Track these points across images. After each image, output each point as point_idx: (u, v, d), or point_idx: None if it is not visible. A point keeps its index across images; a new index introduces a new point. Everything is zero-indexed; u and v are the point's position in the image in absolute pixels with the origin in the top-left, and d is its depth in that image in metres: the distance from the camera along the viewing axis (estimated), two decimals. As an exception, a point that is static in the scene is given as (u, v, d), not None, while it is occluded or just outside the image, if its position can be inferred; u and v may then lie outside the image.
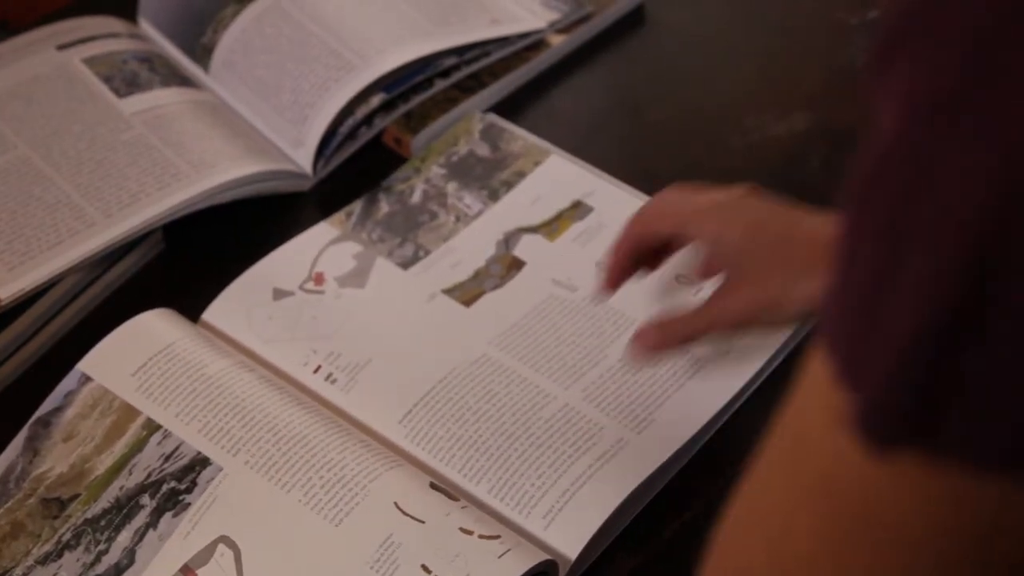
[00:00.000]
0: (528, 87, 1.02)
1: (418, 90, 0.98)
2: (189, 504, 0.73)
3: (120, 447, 0.76)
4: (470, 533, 0.71)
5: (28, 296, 0.84)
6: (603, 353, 0.82)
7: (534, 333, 0.83)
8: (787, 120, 0.97)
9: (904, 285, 0.35)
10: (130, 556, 0.72)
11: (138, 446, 0.76)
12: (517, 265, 0.88)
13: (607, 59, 1.05)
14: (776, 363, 0.82)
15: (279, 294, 0.86)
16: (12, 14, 1.07)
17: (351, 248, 0.89)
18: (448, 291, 0.86)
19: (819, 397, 0.39)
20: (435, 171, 0.94)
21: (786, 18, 1.07)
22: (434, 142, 0.96)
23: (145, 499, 0.74)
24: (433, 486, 0.73)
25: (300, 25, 0.99)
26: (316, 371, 0.82)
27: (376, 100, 0.96)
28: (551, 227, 0.90)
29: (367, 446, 0.75)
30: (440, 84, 0.99)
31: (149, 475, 0.75)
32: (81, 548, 0.73)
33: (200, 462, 0.74)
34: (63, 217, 0.88)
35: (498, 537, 0.71)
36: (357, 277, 0.88)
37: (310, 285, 0.87)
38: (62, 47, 0.99)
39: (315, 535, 0.71)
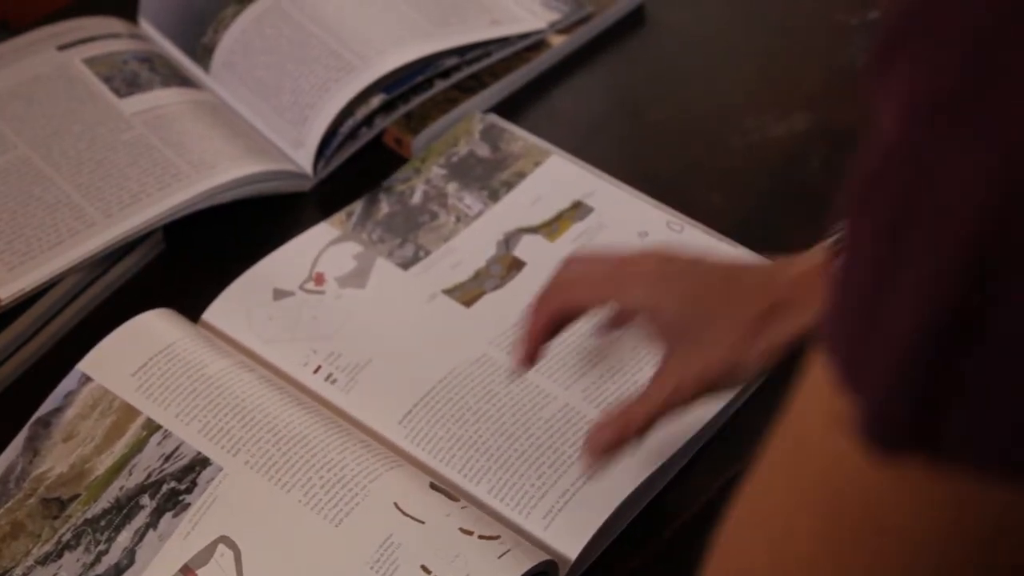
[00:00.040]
0: (528, 87, 1.02)
1: (418, 91, 0.98)
2: (189, 504, 0.73)
3: (120, 447, 0.76)
4: (470, 533, 0.71)
5: (28, 296, 0.84)
6: (603, 353, 0.82)
7: (534, 333, 0.83)
8: (787, 120, 0.97)
9: (904, 286, 0.35)
10: (130, 556, 0.72)
11: (138, 446, 0.76)
12: (517, 265, 0.88)
13: (607, 60, 1.05)
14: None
15: (279, 294, 0.86)
16: (12, 14, 1.07)
17: (351, 248, 0.89)
18: (448, 291, 0.86)
19: (820, 400, 0.39)
20: (435, 171, 0.94)
21: (786, 18, 1.07)
22: (434, 142, 0.96)
23: (145, 499, 0.74)
24: (433, 486, 0.73)
25: (300, 26, 0.99)
26: (316, 371, 0.82)
27: (376, 101, 0.96)
28: (551, 227, 0.90)
29: (367, 446, 0.75)
30: (440, 84, 0.99)
31: (149, 475, 0.75)
32: (81, 548, 0.73)
33: (200, 462, 0.74)
34: (63, 217, 0.88)
35: (498, 537, 0.71)
36: (357, 277, 0.88)
37: (310, 285, 0.87)
38: (62, 47, 0.99)
39: (315, 535, 0.71)
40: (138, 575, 0.72)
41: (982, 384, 0.34)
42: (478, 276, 0.87)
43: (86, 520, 0.74)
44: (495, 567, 0.69)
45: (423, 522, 0.71)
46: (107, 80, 0.97)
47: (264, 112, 0.98)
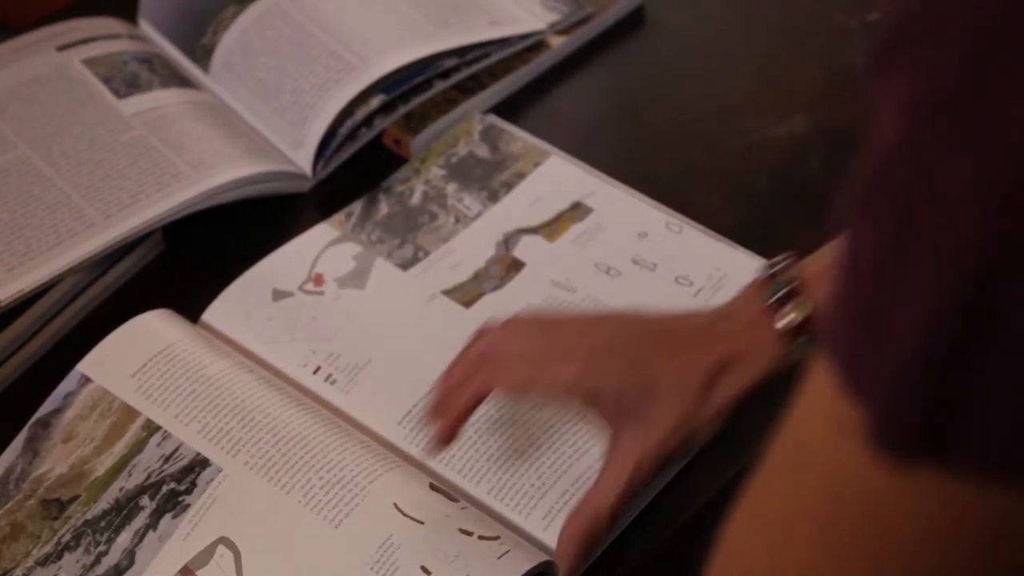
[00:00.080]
0: (528, 88, 1.02)
1: (418, 91, 0.98)
2: (189, 505, 0.73)
3: (120, 448, 0.76)
4: (470, 534, 0.71)
5: (28, 297, 0.84)
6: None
7: (534, 334, 0.83)
8: (787, 122, 0.97)
9: (908, 287, 0.35)
10: (130, 557, 0.72)
11: (138, 447, 0.76)
12: (517, 266, 0.88)
13: (607, 61, 1.05)
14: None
15: (279, 295, 0.86)
16: (12, 15, 1.07)
17: (351, 249, 0.89)
18: (448, 292, 0.86)
19: (821, 405, 0.39)
20: (435, 172, 0.94)
21: (786, 20, 1.07)
22: (434, 143, 0.96)
23: (145, 500, 0.74)
24: (433, 487, 0.73)
25: (300, 26, 0.99)
26: (316, 372, 0.82)
27: (376, 101, 0.96)
28: (551, 228, 0.90)
29: (367, 447, 0.75)
30: (440, 85, 0.99)
31: (149, 476, 0.75)
32: (81, 549, 0.73)
33: (200, 463, 0.74)
34: (63, 218, 0.88)
35: (498, 538, 0.71)
36: (357, 278, 0.88)
37: (310, 286, 0.87)
38: (62, 48, 0.99)
39: (315, 536, 0.71)
40: (138, 576, 0.72)
41: (989, 384, 0.34)
42: (477, 277, 0.87)
43: (86, 521, 0.74)
44: (495, 567, 0.69)
45: (423, 523, 0.71)
46: (107, 81, 0.97)
47: (263, 113, 0.98)
